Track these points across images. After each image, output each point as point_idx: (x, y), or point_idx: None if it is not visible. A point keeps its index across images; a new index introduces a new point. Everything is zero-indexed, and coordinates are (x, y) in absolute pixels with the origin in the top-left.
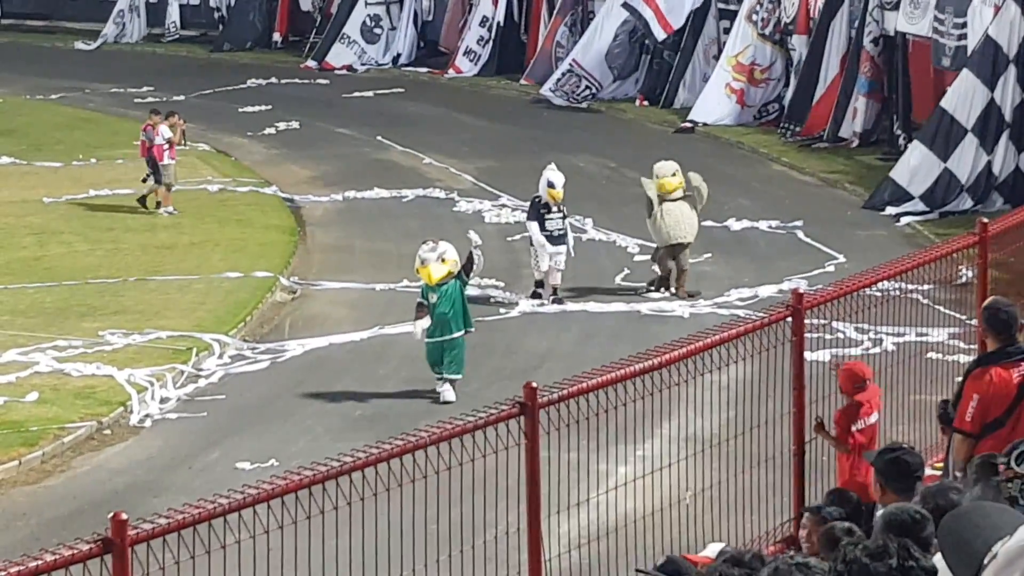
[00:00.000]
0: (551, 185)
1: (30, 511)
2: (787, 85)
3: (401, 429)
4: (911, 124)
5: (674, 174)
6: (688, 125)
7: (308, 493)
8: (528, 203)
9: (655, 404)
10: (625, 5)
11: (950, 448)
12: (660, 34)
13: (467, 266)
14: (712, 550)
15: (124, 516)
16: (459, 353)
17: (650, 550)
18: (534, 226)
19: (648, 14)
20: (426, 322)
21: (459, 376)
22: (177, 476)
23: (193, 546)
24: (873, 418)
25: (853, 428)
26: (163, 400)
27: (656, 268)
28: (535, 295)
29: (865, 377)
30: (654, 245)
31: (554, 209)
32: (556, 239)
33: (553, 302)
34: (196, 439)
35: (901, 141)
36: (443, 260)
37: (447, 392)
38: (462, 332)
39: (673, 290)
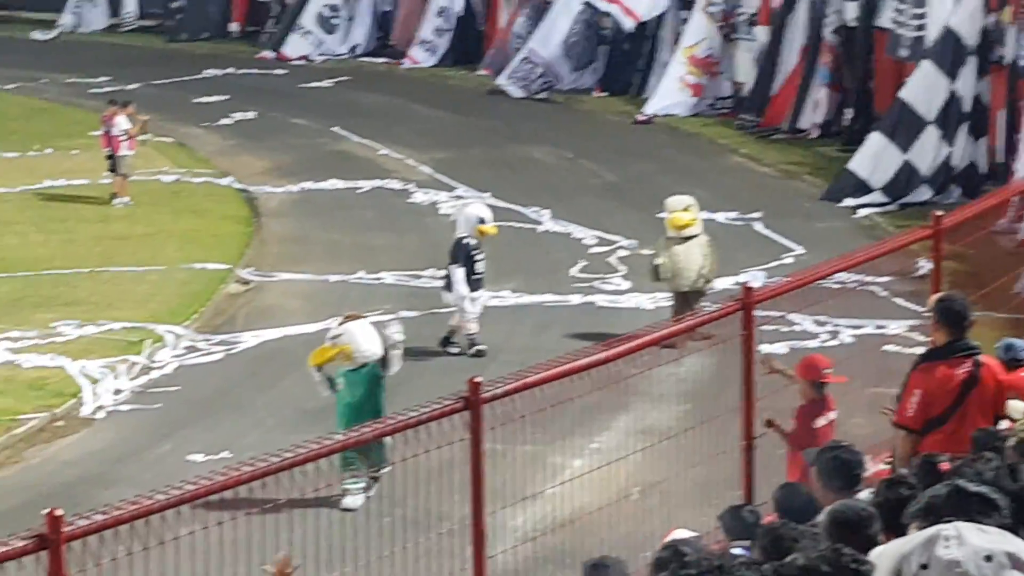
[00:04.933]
0: (483, 221)
1: None
2: (733, 79)
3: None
4: (872, 115)
5: (686, 208)
6: (645, 117)
7: (248, 489)
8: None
9: (609, 397)
10: (587, 4)
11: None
12: (629, 24)
13: (383, 362)
14: (678, 534)
15: (59, 512)
16: (378, 454)
17: (603, 544)
18: (461, 274)
19: (612, 8)
20: (324, 381)
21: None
22: (129, 468)
23: (131, 542)
24: (832, 414)
25: (814, 425)
26: (116, 392)
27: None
28: (445, 344)
29: (825, 367)
30: (615, 241)
31: (481, 249)
32: (482, 282)
33: (475, 353)
34: (149, 431)
35: (846, 119)
36: (333, 343)
37: (351, 498)
38: None
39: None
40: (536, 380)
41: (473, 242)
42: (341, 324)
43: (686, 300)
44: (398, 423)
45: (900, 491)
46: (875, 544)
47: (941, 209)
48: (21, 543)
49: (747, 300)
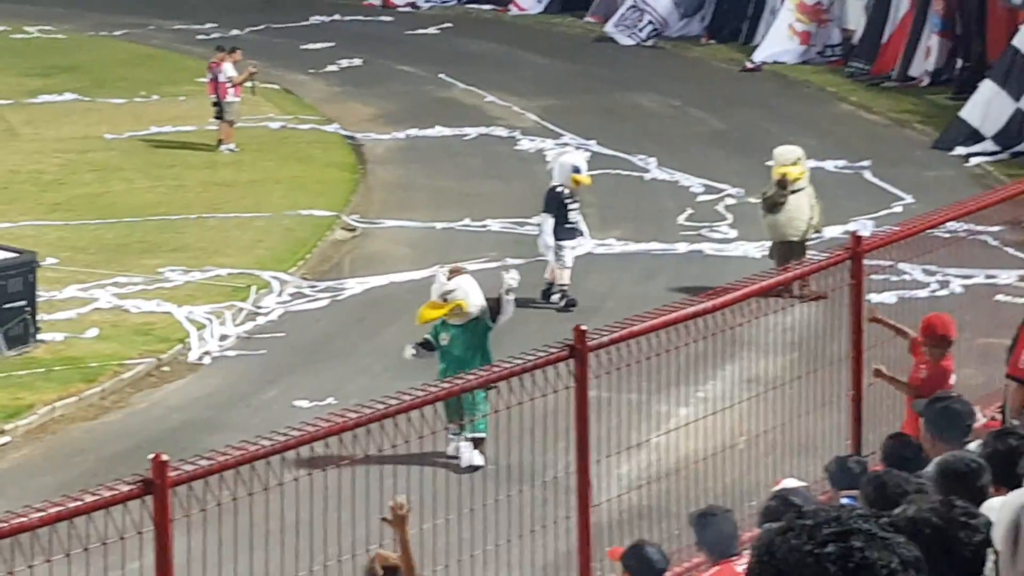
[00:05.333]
0: (577, 171)
1: (88, 447)
2: (843, 26)
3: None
4: (984, 62)
5: (795, 162)
6: (753, 65)
7: (353, 436)
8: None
9: (714, 346)
10: None
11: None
12: None
13: (494, 309)
14: (787, 484)
15: (165, 457)
16: (480, 407)
17: (708, 493)
18: (550, 223)
19: None
20: (421, 352)
21: (484, 435)
22: (235, 414)
23: (235, 487)
24: (953, 379)
25: (950, 382)
26: (222, 337)
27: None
28: (547, 294)
29: (950, 333)
30: (722, 189)
31: (576, 198)
32: (577, 231)
33: (567, 306)
34: (254, 377)
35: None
36: (445, 299)
37: (468, 454)
38: None
39: (796, 292)
40: (642, 329)
41: (566, 191)
42: (450, 279)
43: (791, 251)
44: (503, 371)
45: (1010, 442)
46: (985, 496)
47: None
48: (127, 488)
49: (856, 249)
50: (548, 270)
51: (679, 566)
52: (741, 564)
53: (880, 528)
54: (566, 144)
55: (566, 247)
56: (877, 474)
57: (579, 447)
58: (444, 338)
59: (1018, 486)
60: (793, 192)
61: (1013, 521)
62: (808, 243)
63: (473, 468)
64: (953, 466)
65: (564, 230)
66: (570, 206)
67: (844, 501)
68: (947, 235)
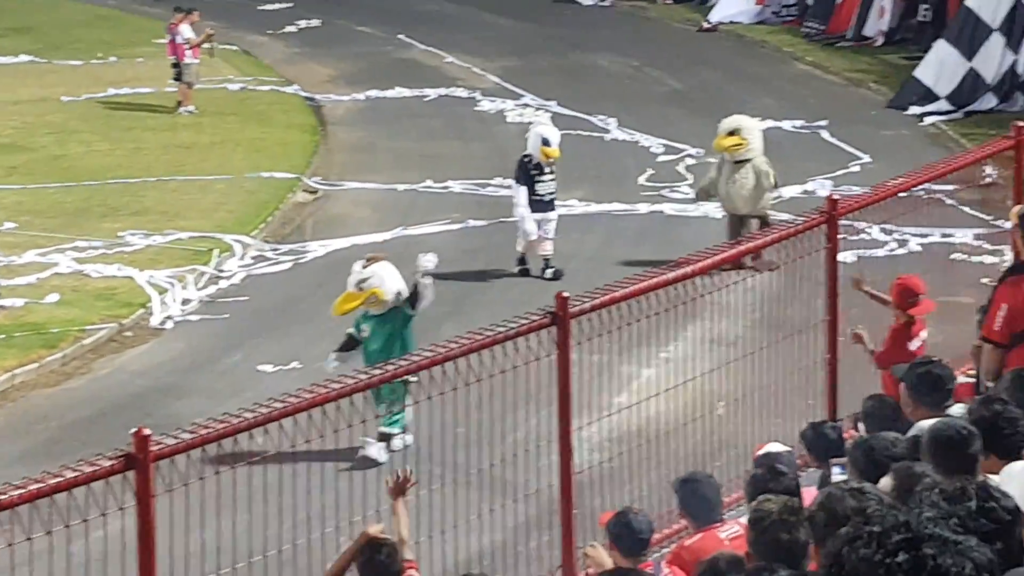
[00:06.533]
0: (546, 143)
1: (51, 413)
2: None
3: (425, 331)
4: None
5: (732, 132)
6: (710, 25)
7: (336, 407)
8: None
9: (690, 311)
10: None
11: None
12: None
13: (412, 297)
14: (771, 448)
15: (147, 431)
16: (396, 399)
17: (675, 456)
18: (522, 193)
19: None
20: (344, 356)
21: (398, 431)
22: (199, 378)
23: (216, 459)
24: (923, 335)
25: (909, 348)
26: (184, 302)
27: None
28: (523, 272)
29: (919, 292)
30: (682, 150)
31: (547, 170)
32: (547, 204)
33: (553, 276)
34: (218, 341)
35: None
36: (360, 288)
37: (372, 449)
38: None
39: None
40: (624, 295)
41: (534, 162)
42: (365, 267)
43: (741, 223)
44: (486, 339)
45: (995, 408)
46: (976, 463)
47: (1019, 121)
48: (108, 463)
49: (832, 212)
50: (519, 242)
51: (659, 532)
52: (724, 531)
53: (951, 531)
54: (527, 104)
55: (527, 219)
56: (864, 439)
57: (561, 414)
58: (364, 330)
59: (1007, 452)
60: (737, 163)
61: None
62: (755, 216)
63: (373, 463)
64: (945, 433)
65: (531, 202)
66: (537, 177)
67: (835, 470)
68: (904, 195)
